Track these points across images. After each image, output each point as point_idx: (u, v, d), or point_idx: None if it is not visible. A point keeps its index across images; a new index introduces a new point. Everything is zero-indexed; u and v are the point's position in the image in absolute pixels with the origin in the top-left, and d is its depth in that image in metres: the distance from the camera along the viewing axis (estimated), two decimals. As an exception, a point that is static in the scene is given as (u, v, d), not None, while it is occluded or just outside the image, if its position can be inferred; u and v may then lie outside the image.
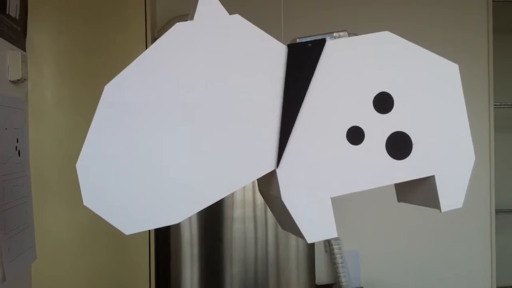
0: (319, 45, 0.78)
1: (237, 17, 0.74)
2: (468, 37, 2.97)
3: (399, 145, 0.81)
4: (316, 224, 0.77)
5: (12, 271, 1.11)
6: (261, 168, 0.75)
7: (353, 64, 0.80)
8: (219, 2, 0.73)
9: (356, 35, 1.31)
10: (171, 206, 0.71)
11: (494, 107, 2.99)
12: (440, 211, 0.85)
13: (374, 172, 0.80)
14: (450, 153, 0.85)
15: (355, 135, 0.79)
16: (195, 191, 0.71)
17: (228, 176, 0.73)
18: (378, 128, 0.80)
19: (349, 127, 0.79)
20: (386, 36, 0.83)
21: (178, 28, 0.72)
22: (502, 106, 3.06)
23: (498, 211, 3.02)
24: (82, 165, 0.68)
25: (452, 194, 0.86)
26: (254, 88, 0.75)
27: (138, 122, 0.69)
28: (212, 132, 0.72)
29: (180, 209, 0.71)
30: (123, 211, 0.69)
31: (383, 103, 0.80)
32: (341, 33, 1.29)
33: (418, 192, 0.87)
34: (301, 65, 0.77)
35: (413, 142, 0.81)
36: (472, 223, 2.98)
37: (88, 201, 0.68)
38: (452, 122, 0.86)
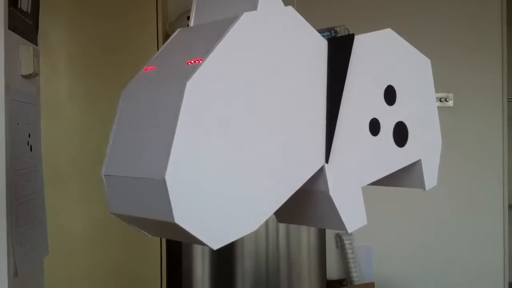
0: (351, 40, 0.81)
1: (290, 9, 0.72)
2: (481, 30, 2.94)
3: (400, 134, 0.89)
4: (353, 214, 0.81)
5: (25, 266, 1.11)
6: (314, 164, 0.75)
7: (370, 59, 0.84)
8: None
9: (348, 30, 1.33)
10: (251, 214, 0.66)
11: (508, 101, 2.96)
12: (424, 189, 0.97)
13: (387, 160, 0.88)
14: (428, 139, 0.96)
15: (374, 127, 0.84)
16: (268, 195, 0.68)
17: (292, 176, 0.72)
18: (388, 119, 0.87)
19: (370, 119, 0.84)
20: (389, 33, 0.90)
21: (247, 19, 0.66)
22: (516, 100, 3.03)
23: (511, 206, 2.99)
24: (172, 176, 0.57)
25: (431, 175, 0.97)
26: (306, 83, 0.74)
27: (223, 126, 0.63)
28: (277, 131, 0.69)
29: (258, 215, 0.67)
30: (210, 225, 0.62)
31: (390, 95, 0.87)
32: (342, 28, 1.30)
33: (404, 175, 0.96)
34: (339, 59, 0.78)
35: (408, 131, 0.90)
36: (484, 218, 2.96)
37: (180, 217, 0.58)
38: (428, 110, 0.97)
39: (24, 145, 1.15)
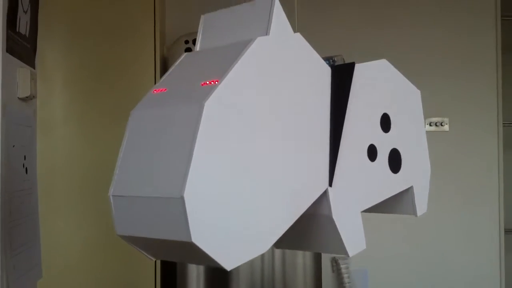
0: (352, 68, 0.83)
1: (298, 36, 0.73)
2: (476, 55, 2.97)
3: (395, 160, 0.91)
4: (354, 238, 0.81)
5: (18, 289, 1.10)
6: (320, 187, 0.76)
7: (367, 87, 0.86)
8: (286, 18, 0.71)
9: (344, 59, 1.36)
10: (263, 234, 0.66)
11: (503, 126, 2.98)
12: (416, 216, 0.98)
13: (383, 186, 0.89)
14: (419, 166, 0.98)
15: (372, 152, 0.86)
16: (279, 216, 0.68)
17: (300, 198, 0.72)
18: (384, 146, 0.89)
19: (368, 145, 0.85)
20: (384, 64, 0.93)
21: (260, 43, 0.67)
22: (512, 125, 3.05)
23: (507, 231, 2.99)
24: (190, 195, 0.56)
25: (422, 201, 0.99)
26: (312, 108, 0.76)
27: (238, 146, 0.63)
28: (287, 153, 0.70)
29: (269, 236, 0.67)
30: (224, 245, 0.61)
31: (386, 123, 0.89)
32: (339, 58, 1.33)
33: (396, 201, 0.97)
34: (341, 86, 0.80)
35: (402, 158, 0.92)
36: (481, 243, 2.95)
37: (197, 236, 0.57)
38: (418, 139, 1.00)
39: (19, 168, 1.15)
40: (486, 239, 2.95)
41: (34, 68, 1.26)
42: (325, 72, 0.79)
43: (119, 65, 2.39)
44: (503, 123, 2.98)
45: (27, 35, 1.22)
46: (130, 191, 0.62)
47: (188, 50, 2.53)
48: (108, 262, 2.35)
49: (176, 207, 0.57)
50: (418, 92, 1.00)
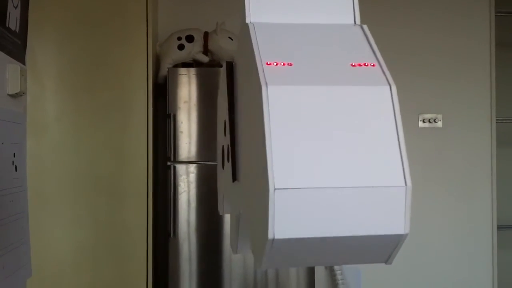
0: None
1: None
2: (470, 51, 2.97)
3: None
4: None
5: (8, 287, 1.09)
6: None
7: None
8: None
9: None
10: None
11: (496, 122, 2.98)
12: None
13: None
14: None
15: None
16: None
17: None
18: None
19: None
20: None
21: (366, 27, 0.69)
22: (504, 121, 3.04)
23: (500, 227, 2.99)
24: (409, 183, 0.54)
25: None
26: None
27: None
28: None
29: None
30: None
31: None
32: None
33: None
34: None
35: None
36: (474, 239, 2.96)
37: (408, 228, 0.56)
38: None
39: (8, 165, 1.13)
40: (479, 235, 2.96)
41: (24, 64, 1.24)
42: None
43: (111, 62, 2.38)
44: (496, 120, 2.98)
45: (17, 31, 1.20)
46: (310, 182, 0.52)
47: (181, 46, 2.51)
48: (100, 261, 2.34)
49: (394, 197, 0.52)
50: None
